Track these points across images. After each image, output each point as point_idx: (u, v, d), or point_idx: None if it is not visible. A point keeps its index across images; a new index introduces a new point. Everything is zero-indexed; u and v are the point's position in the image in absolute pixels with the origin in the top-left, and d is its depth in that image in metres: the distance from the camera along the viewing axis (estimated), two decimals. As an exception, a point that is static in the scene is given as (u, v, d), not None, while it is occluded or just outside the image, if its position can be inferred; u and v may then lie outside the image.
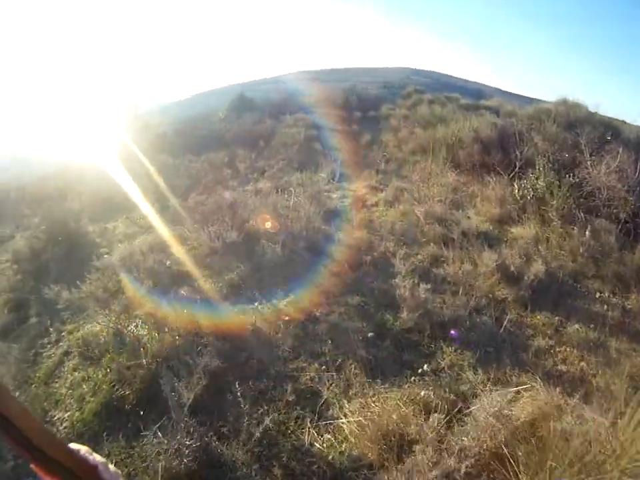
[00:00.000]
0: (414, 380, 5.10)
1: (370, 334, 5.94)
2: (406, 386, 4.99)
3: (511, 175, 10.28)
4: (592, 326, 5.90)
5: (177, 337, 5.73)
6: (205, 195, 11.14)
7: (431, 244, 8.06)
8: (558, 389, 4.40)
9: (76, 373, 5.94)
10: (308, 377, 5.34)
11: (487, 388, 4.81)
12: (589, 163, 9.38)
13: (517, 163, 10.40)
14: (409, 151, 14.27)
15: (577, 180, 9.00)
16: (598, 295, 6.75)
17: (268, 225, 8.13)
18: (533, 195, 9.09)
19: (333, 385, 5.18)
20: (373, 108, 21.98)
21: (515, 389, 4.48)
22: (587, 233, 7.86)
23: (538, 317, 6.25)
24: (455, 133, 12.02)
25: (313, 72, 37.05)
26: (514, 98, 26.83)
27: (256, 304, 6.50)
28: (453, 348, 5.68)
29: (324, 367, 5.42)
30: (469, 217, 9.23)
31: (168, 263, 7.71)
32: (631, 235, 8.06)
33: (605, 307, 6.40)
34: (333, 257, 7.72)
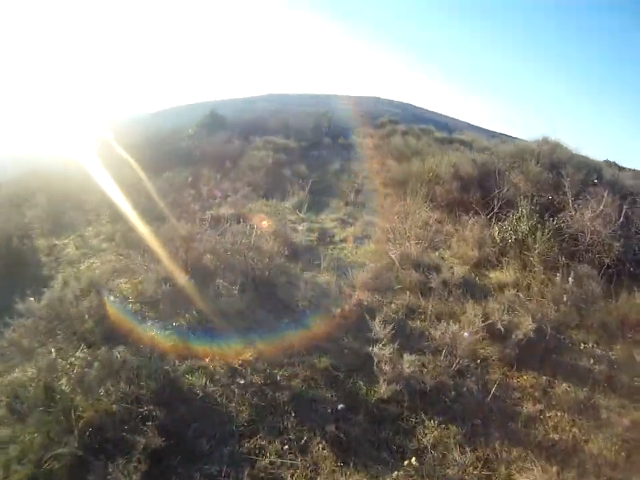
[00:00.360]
0: (396, 475, 4.26)
1: (340, 406, 5.01)
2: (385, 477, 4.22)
3: (489, 215, 9.43)
4: (580, 384, 5.59)
5: (112, 404, 4.56)
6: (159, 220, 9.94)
7: (407, 292, 7.11)
8: (555, 469, 4.22)
9: (2, 430, 4.64)
10: (267, 460, 4.38)
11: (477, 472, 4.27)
12: (573, 206, 8.65)
13: (497, 203, 9.56)
14: (380, 182, 13.32)
15: (561, 223, 8.40)
16: (582, 346, 6.36)
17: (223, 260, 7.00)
18: (514, 238, 8.23)
19: (298, 471, 4.26)
20: (343, 135, 21.08)
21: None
22: (570, 279, 7.28)
23: (525, 377, 5.76)
24: (432, 168, 11.13)
25: (284, 95, 36.09)
26: (483, 133, 26.35)
27: (207, 360, 5.36)
28: (436, 422, 4.89)
29: (286, 446, 4.53)
30: (443, 258, 8.38)
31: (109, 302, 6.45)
32: (613, 281, 7.55)
33: (591, 360, 6.05)
34: (297, 304, 6.64)
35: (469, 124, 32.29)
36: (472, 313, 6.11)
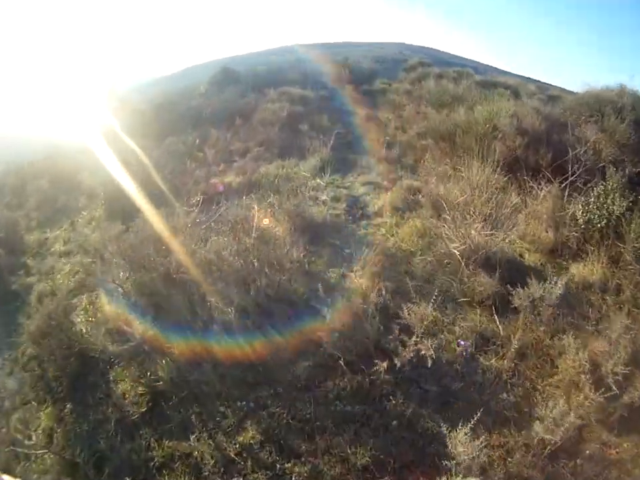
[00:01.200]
0: None
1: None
2: None
3: (564, 185, 6.69)
4: None
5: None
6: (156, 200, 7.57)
7: (477, 310, 4.63)
8: None
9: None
10: None
11: None
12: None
13: (574, 169, 6.82)
14: (416, 133, 10.58)
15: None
16: None
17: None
18: (606, 221, 5.67)
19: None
20: (366, 82, 18.07)
21: None
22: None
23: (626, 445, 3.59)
24: (488, 117, 8.29)
25: (302, 45, 32.56)
26: (518, 78, 22.81)
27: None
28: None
29: None
30: (509, 242, 5.82)
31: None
32: None
33: None
34: (321, 344, 4.24)
35: (499, 69, 28.35)
36: (573, 356, 3.67)
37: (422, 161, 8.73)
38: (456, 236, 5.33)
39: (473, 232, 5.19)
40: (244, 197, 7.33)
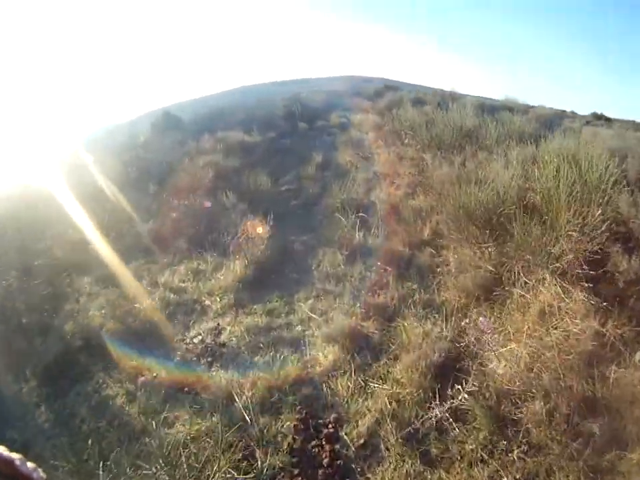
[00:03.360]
0: None
1: None
2: None
3: None
4: None
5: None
6: None
7: None
8: None
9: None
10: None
11: None
12: None
13: None
14: (404, 194, 5.73)
15: None
16: None
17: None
18: None
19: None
20: (321, 117, 13.04)
21: None
22: None
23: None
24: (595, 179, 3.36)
25: (248, 87, 27.28)
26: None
27: None
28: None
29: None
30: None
31: None
32: None
33: None
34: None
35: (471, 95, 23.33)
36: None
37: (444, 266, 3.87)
38: None
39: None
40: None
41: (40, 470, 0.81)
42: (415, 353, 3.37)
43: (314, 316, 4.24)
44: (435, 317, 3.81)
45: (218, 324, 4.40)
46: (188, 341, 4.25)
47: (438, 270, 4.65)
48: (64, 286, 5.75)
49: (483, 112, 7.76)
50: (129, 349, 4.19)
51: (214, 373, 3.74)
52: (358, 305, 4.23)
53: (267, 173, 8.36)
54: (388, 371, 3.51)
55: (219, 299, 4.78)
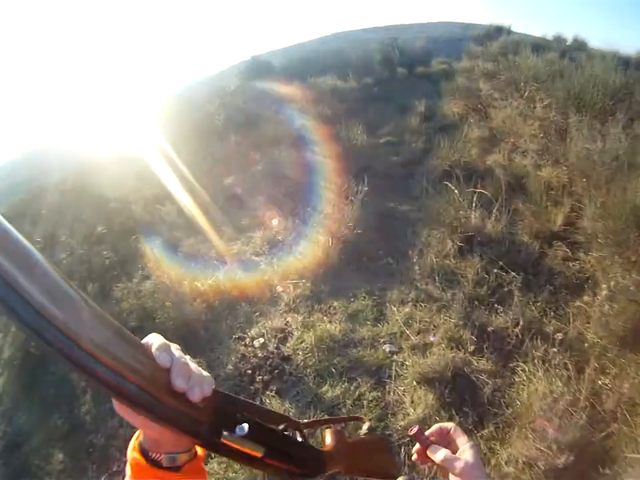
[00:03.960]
0: None
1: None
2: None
3: None
4: None
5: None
6: None
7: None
8: None
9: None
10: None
11: None
12: None
13: None
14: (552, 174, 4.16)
15: None
16: None
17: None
18: None
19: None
20: (421, 63, 11.26)
21: None
22: None
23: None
24: None
25: (344, 32, 25.00)
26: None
27: None
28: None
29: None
30: None
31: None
32: None
33: None
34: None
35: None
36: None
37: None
38: None
39: None
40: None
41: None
42: (533, 433, 2.13)
43: (409, 333, 3.03)
44: (567, 368, 2.48)
45: (287, 323, 3.35)
46: (247, 342, 3.23)
47: (575, 282, 3.24)
48: (131, 250, 5.01)
49: (627, 67, 5.71)
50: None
51: (267, 401, 2.70)
52: (469, 325, 2.94)
53: (363, 123, 7.03)
54: (491, 448, 2.29)
55: (292, 287, 3.70)
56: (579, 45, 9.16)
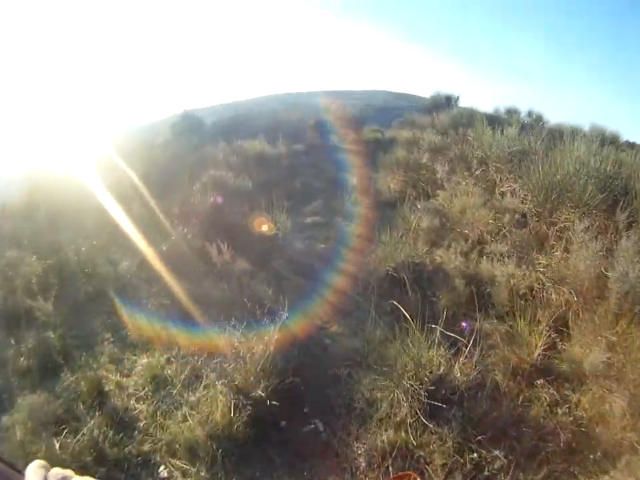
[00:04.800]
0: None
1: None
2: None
3: None
4: None
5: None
6: None
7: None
8: None
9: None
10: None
11: None
12: None
13: None
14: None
15: None
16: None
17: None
18: None
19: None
20: (353, 131, 10.36)
21: None
22: None
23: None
24: None
25: (278, 95, 24.24)
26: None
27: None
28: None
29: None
30: None
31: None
32: None
33: None
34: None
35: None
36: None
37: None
38: None
39: None
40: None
41: None
42: None
43: None
44: None
45: None
46: None
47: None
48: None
49: (603, 145, 4.85)
50: None
51: None
52: None
53: (287, 198, 5.74)
54: None
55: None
56: (536, 120, 8.40)
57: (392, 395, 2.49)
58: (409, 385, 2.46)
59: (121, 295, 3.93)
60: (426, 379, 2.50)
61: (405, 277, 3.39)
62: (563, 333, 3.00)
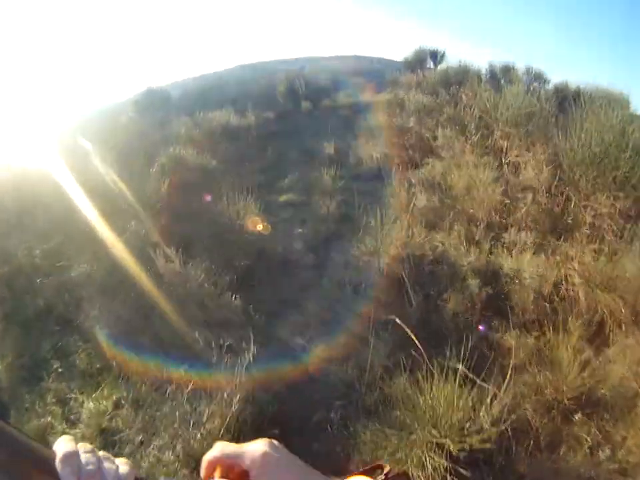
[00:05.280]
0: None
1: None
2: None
3: None
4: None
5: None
6: None
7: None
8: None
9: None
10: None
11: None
12: None
13: None
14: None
15: None
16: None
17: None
18: None
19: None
20: (327, 96, 9.39)
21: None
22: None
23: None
24: None
25: (246, 65, 22.57)
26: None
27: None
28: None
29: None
30: None
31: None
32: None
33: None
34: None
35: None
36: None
37: None
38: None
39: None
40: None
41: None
42: None
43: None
44: None
45: None
46: None
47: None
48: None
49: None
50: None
51: None
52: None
53: (259, 171, 4.87)
54: None
55: None
56: (536, 76, 7.27)
57: (407, 458, 1.72)
58: (426, 444, 1.71)
59: (75, 310, 3.10)
60: (448, 431, 1.74)
61: (404, 276, 2.61)
62: (598, 347, 2.29)
